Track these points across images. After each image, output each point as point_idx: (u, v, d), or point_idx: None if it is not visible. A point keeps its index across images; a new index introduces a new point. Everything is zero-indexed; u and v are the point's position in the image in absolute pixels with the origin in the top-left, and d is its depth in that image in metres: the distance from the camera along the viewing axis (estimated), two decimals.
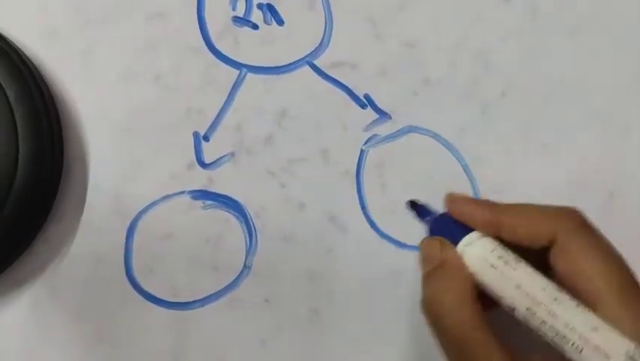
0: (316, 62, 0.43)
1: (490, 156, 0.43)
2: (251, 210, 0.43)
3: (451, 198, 0.34)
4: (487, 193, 0.42)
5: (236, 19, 0.44)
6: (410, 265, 0.42)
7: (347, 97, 0.43)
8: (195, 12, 0.44)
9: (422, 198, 0.38)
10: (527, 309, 0.30)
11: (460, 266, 0.32)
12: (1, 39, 0.42)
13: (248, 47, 0.44)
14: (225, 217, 0.43)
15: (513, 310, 0.30)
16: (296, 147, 0.43)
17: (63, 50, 0.43)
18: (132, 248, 0.43)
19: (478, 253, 0.32)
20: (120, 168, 0.43)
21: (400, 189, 0.43)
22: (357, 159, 0.43)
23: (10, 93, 0.41)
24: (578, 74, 0.43)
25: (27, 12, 0.44)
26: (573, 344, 0.28)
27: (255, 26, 0.44)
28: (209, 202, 0.43)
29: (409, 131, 0.43)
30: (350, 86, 0.43)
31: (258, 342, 0.42)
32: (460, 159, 0.43)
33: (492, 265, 0.31)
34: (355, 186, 0.43)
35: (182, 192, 0.43)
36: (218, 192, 0.43)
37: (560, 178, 0.43)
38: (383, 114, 0.43)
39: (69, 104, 0.43)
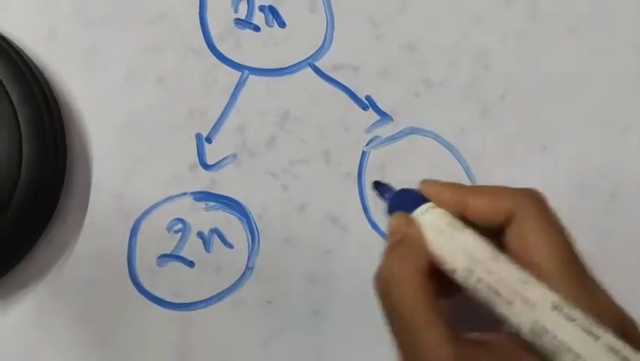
0: (318, 64, 0.44)
1: (491, 156, 0.43)
2: (253, 212, 0.43)
3: (423, 181, 0.36)
4: None
5: (238, 21, 0.44)
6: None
7: (348, 98, 0.43)
8: (197, 14, 0.44)
9: None
10: (466, 269, 0.31)
11: (419, 241, 0.33)
12: (3, 40, 0.42)
13: (250, 48, 0.44)
14: (227, 219, 0.43)
15: (454, 271, 0.32)
16: (298, 149, 0.43)
17: (65, 51, 0.44)
18: (135, 249, 0.43)
19: (429, 219, 0.33)
20: (123, 169, 0.43)
21: None
22: (358, 161, 0.43)
23: (13, 95, 0.41)
24: (577, 75, 0.43)
25: (29, 13, 0.44)
26: (505, 298, 0.30)
27: (257, 28, 0.44)
28: (211, 203, 0.43)
29: (410, 133, 0.43)
30: (351, 88, 0.43)
31: (260, 343, 0.42)
32: (460, 159, 0.43)
33: (440, 231, 0.33)
34: (357, 187, 0.43)
35: (185, 194, 0.43)
36: (220, 193, 0.43)
37: (560, 178, 0.43)
38: (384, 116, 0.43)
39: (72, 105, 0.43)
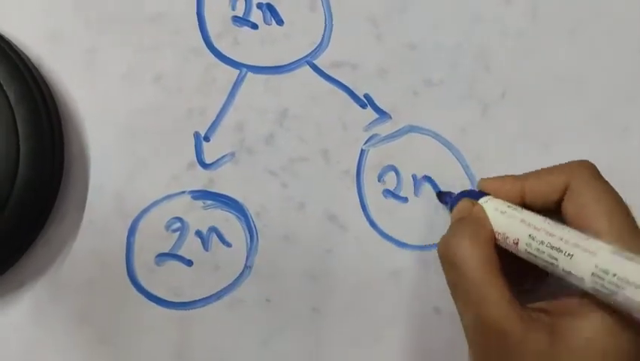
0: (316, 62, 0.43)
1: (490, 155, 0.43)
2: (252, 210, 0.43)
3: (481, 180, 0.39)
4: None
5: (236, 19, 0.44)
6: (410, 264, 0.42)
7: (347, 97, 0.43)
8: (195, 12, 0.44)
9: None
10: (529, 236, 0.33)
11: (484, 217, 0.36)
12: (1, 40, 0.42)
13: (248, 46, 0.44)
14: (226, 217, 0.43)
15: (517, 242, 0.34)
16: (296, 147, 0.43)
17: (64, 50, 0.43)
18: (133, 248, 0.43)
19: (492, 204, 0.36)
20: (121, 168, 0.43)
21: (400, 188, 0.43)
22: (357, 159, 0.43)
23: (11, 94, 0.41)
24: (577, 74, 0.43)
25: (28, 13, 0.44)
26: (566, 253, 0.32)
27: (255, 26, 0.44)
28: (209, 202, 0.43)
29: (409, 131, 0.43)
30: (350, 86, 0.43)
31: (259, 341, 0.42)
32: (460, 158, 0.43)
33: (502, 212, 0.36)
34: (356, 185, 0.43)
35: (183, 192, 0.43)
36: (218, 192, 0.43)
37: None
38: (383, 114, 0.43)
39: (70, 104, 0.43)
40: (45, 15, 0.44)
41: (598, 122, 0.43)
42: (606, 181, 0.34)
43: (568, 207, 0.34)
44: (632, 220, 0.33)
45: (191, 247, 0.43)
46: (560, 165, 0.36)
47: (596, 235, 0.32)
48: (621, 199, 0.33)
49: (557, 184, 0.35)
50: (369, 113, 0.43)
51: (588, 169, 0.34)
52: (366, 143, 0.43)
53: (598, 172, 0.35)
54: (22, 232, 0.41)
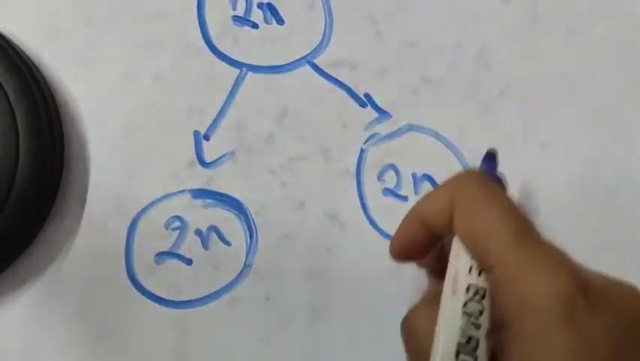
0: (316, 61, 0.43)
1: None
2: (251, 209, 0.43)
3: (392, 239, 0.35)
4: None
5: (237, 19, 0.44)
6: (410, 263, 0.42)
7: (347, 96, 0.43)
8: (195, 11, 0.44)
9: None
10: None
11: None
12: (0, 38, 0.42)
13: (248, 46, 0.44)
14: (226, 216, 0.43)
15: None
16: (296, 146, 0.43)
17: (63, 48, 0.43)
18: (133, 247, 0.43)
19: None
20: (121, 166, 0.43)
21: (400, 187, 0.43)
22: (357, 158, 0.43)
23: (10, 92, 0.41)
24: (577, 74, 0.43)
25: (27, 11, 0.44)
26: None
27: (255, 25, 0.44)
28: (209, 201, 0.43)
29: (409, 130, 0.43)
30: (350, 85, 0.43)
31: (258, 340, 0.42)
32: (460, 157, 0.43)
33: None
34: (355, 184, 0.43)
35: (183, 191, 0.43)
36: (218, 190, 0.43)
37: (560, 178, 0.43)
38: (383, 113, 0.43)
39: (69, 103, 0.43)
40: (45, 13, 0.44)
41: (598, 122, 0.43)
42: (491, 184, 0.31)
43: (457, 223, 0.31)
44: (526, 221, 0.29)
45: (190, 245, 0.43)
46: (445, 182, 0.32)
47: (485, 246, 0.29)
48: (510, 200, 0.30)
49: (443, 202, 0.31)
50: (369, 112, 0.43)
51: (469, 179, 0.31)
52: (366, 142, 0.43)
53: (481, 178, 0.32)
54: (22, 230, 0.41)
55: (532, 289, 0.27)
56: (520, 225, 0.29)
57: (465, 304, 0.29)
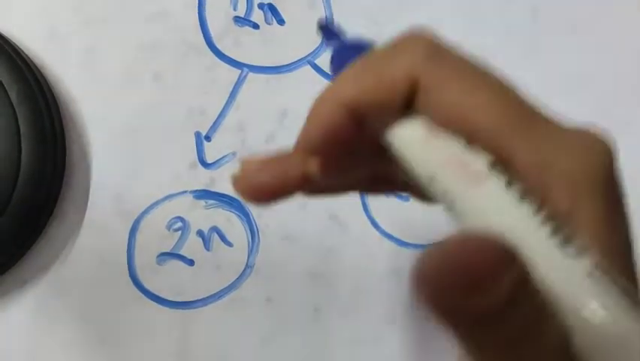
0: (317, 62, 0.44)
1: None
2: (253, 210, 0.43)
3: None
4: None
5: (238, 19, 0.44)
6: (411, 263, 0.42)
7: None
8: (196, 12, 0.44)
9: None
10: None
11: None
12: (2, 39, 0.42)
13: (249, 46, 0.44)
14: (227, 217, 0.43)
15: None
16: None
17: (64, 49, 0.44)
18: (135, 248, 0.43)
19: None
20: (122, 167, 0.43)
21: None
22: None
23: (12, 94, 0.41)
24: (578, 74, 0.43)
25: (28, 12, 0.44)
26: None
27: (256, 26, 0.44)
28: (211, 202, 0.43)
29: None
30: None
31: (260, 341, 0.42)
32: None
33: None
34: None
35: (185, 192, 0.43)
36: (220, 191, 0.43)
37: None
38: None
39: (71, 104, 0.43)
40: (46, 14, 0.44)
41: (598, 122, 0.43)
42: (461, 54, 0.24)
43: (437, 108, 0.22)
44: (525, 102, 0.22)
45: (192, 246, 0.43)
46: (383, 49, 0.22)
47: (482, 136, 0.21)
48: (495, 77, 0.22)
49: (396, 80, 0.22)
50: None
51: (429, 47, 0.22)
52: None
53: (446, 45, 0.23)
54: (24, 231, 0.41)
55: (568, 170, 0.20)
56: (521, 102, 0.22)
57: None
